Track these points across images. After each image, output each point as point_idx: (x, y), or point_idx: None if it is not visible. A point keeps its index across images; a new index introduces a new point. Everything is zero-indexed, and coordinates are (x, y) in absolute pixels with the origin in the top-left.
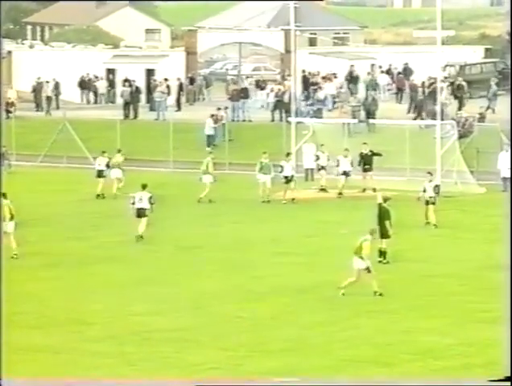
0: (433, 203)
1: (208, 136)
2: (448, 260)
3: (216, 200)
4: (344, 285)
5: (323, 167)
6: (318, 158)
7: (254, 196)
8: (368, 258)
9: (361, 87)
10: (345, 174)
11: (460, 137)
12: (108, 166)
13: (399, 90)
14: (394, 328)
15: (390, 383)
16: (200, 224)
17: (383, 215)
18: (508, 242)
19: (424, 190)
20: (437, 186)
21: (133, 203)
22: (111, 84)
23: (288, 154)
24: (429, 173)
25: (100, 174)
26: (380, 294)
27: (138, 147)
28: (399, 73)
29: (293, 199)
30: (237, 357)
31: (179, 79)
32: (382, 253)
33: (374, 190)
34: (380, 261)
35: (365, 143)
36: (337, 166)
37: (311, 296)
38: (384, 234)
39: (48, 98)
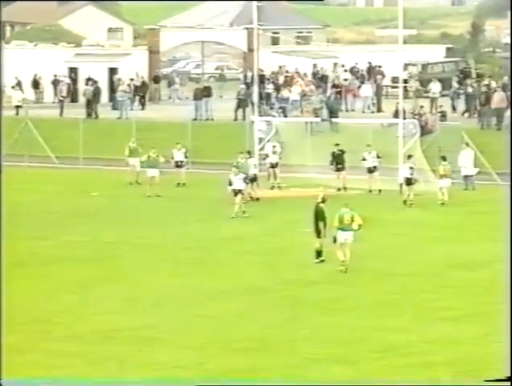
0: (373, 172)
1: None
2: (411, 259)
3: (180, 199)
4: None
5: (272, 165)
6: (267, 156)
7: (218, 195)
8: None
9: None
10: (370, 170)
11: (422, 135)
12: (186, 156)
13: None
14: (357, 326)
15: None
16: (163, 223)
17: (318, 216)
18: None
19: (364, 159)
20: (379, 157)
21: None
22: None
23: (248, 152)
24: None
25: (178, 164)
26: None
27: (101, 146)
28: (378, 67)
29: (257, 199)
30: (201, 356)
31: (142, 77)
32: (318, 253)
33: (345, 188)
34: (319, 261)
35: (337, 144)
36: (363, 159)
37: (274, 294)
38: (318, 234)
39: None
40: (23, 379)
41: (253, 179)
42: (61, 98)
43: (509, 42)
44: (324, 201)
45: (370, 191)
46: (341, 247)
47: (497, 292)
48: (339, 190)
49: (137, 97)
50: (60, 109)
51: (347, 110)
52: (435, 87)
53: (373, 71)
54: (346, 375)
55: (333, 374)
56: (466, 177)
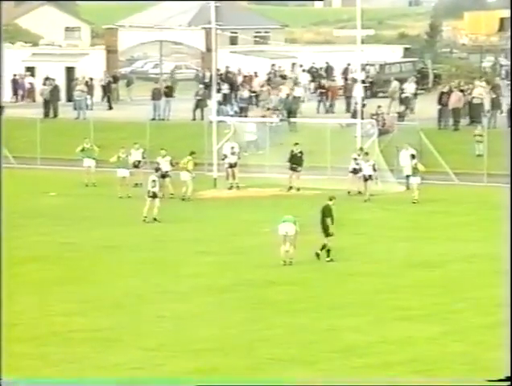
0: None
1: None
2: (370, 259)
3: (137, 199)
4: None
5: (231, 165)
6: (226, 156)
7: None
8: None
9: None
10: (355, 171)
11: (380, 135)
12: (144, 157)
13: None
14: (316, 326)
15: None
16: (121, 223)
17: (325, 213)
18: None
19: (361, 169)
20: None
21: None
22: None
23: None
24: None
25: (135, 165)
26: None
27: (59, 146)
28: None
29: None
30: (159, 357)
31: (108, 76)
32: (326, 251)
33: (298, 189)
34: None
35: (296, 143)
36: (360, 168)
37: (233, 295)
38: (325, 231)
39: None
40: (23, 379)
41: (165, 176)
42: (46, 99)
43: (465, 42)
44: (330, 199)
45: (349, 193)
46: (284, 239)
47: (454, 291)
48: (290, 188)
49: (100, 96)
50: (51, 110)
51: (327, 111)
52: (409, 87)
53: (331, 72)
54: (305, 375)
55: (292, 374)
56: (408, 177)
